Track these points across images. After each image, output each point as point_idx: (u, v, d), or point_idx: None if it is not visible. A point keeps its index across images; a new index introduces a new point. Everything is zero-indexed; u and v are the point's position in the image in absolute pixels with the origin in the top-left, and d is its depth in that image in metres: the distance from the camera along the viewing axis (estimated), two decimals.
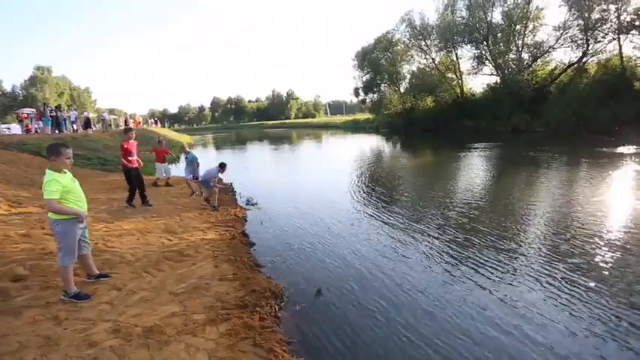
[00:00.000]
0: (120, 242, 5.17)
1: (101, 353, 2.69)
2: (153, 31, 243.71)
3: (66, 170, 3.49)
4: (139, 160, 7.61)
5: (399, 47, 40.31)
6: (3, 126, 22.10)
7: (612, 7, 22.62)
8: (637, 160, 11.48)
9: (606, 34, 23.59)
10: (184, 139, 37.59)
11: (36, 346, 2.76)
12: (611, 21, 23.00)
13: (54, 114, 19.72)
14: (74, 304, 3.39)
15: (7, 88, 59.59)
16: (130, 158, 7.33)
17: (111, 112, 54.87)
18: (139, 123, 36.79)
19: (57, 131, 19.01)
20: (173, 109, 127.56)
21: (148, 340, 2.86)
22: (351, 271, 4.57)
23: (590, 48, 24.79)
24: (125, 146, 7.34)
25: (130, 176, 7.43)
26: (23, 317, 3.15)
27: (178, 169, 16.23)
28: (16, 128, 21.13)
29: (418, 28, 36.06)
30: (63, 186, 3.33)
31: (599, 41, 24.18)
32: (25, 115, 21.13)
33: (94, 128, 26.90)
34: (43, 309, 3.29)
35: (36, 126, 19.59)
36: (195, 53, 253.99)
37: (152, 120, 50.74)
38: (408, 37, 37.88)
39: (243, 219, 7.04)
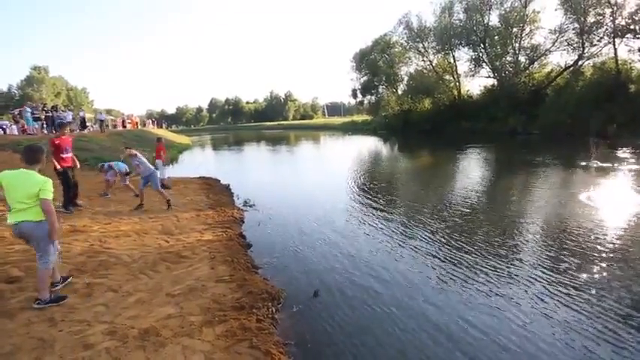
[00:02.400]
0: (117, 243, 5.15)
1: (96, 355, 2.67)
2: (151, 32, 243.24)
3: None
4: (75, 159, 6.94)
5: (396, 49, 40.44)
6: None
7: (607, 11, 22.87)
8: (633, 162, 11.56)
9: (602, 38, 23.83)
10: (182, 140, 37.50)
11: (30, 348, 2.74)
12: (606, 25, 23.25)
13: (50, 114, 19.59)
14: (70, 306, 3.37)
15: (3, 87, 59.28)
16: (62, 156, 6.47)
17: (108, 112, 54.64)
18: (137, 124, 36.61)
19: (53, 131, 18.89)
20: (171, 110, 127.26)
21: (144, 341, 2.85)
22: (348, 273, 4.57)
23: (585, 51, 25.01)
24: (56, 142, 6.39)
25: (66, 177, 6.57)
26: (17, 319, 3.12)
27: (173, 169, 16.19)
28: (13, 128, 20.90)
29: (416, 31, 36.18)
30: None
31: (595, 44, 24.42)
32: (17, 113, 20.83)
33: (91, 129, 26.77)
34: (38, 310, 3.26)
35: (35, 125, 19.39)
36: (193, 54, 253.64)
37: (150, 121, 50.53)
38: (405, 39, 38.01)
39: (241, 220, 7.02)
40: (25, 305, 3.34)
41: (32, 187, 3.19)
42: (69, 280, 3.85)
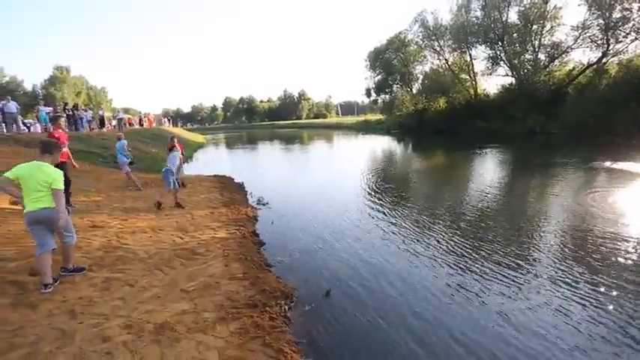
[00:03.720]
0: (133, 239, 5.27)
1: (114, 348, 2.74)
2: (167, 32, 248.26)
3: None
4: (70, 156, 6.85)
5: (411, 48, 39.94)
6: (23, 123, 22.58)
7: (635, 5, 21.90)
8: None
9: (628, 34, 22.84)
10: (197, 138, 38.11)
11: (52, 338, 2.83)
12: (633, 20, 22.27)
13: (71, 113, 20.20)
14: (89, 299, 3.47)
15: (28, 87, 61.56)
16: (62, 150, 6.24)
17: (126, 111, 56.00)
18: (152, 122, 37.37)
19: (74, 129, 19.49)
20: (186, 109, 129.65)
21: (160, 336, 2.90)
22: (360, 273, 4.54)
23: (610, 48, 24.04)
24: (56, 135, 6.35)
25: (63, 171, 6.52)
26: (40, 310, 3.23)
27: (188, 166, 16.45)
28: (36, 126, 21.67)
29: (431, 29, 35.64)
30: None
31: (621, 41, 23.43)
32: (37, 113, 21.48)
33: (109, 127, 27.47)
34: (59, 303, 3.37)
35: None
36: (209, 53, 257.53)
37: (165, 119, 51.55)
38: (421, 37, 37.49)
39: (254, 218, 7.07)
40: (47, 297, 3.45)
41: (46, 177, 3.53)
42: (82, 273, 4.04)
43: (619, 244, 4.99)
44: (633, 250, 4.75)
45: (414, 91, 41.12)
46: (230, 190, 9.88)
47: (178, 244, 5.19)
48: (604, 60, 24.68)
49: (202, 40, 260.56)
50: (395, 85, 43.92)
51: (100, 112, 26.94)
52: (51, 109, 20.36)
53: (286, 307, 3.59)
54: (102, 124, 25.07)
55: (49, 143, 3.82)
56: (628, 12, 22.38)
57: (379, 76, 44.53)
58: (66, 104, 23.36)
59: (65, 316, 3.17)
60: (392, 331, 3.30)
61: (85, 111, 22.98)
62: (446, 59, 36.27)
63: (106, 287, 3.74)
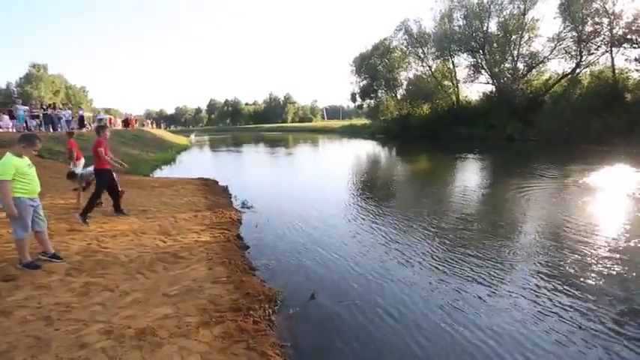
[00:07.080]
0: (114, 243, 5.14)
1: (92, 354, 2.67)
2: (151, 32, 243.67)
3: (25, 157, 4.05)
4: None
5: (396, 54, 40.65)
6: None
7: (605, 20, 23.14)
8: (627, 171, 11.67)
9: (599, 47, 24.12)
10: (180, 140, 37.43)
11: (26, 346, 2.73)
12: (603, 34, 23.52)
13: (48, 112, 19.50)
14: (66, 305, 3.37)
15: (2, 85, 59.07)
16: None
17: (107, 111, 54.40)
18: (135, 123, 36.45)
19: (52, 129, 18.82)
20: (170, 110, 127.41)
21: (141, 341, 2.85)
22: (345, 276, 4.59)
23: (583, 59, 25.29)
24: None
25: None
26: (14, 317, 3.12)
27: (172, 169, 16.17)
28: (8, 125, 20.73)
29: (415, 36, 36.45)
30: (17, 168, 3.83)
31: (592, 53, 24.71)
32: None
33: (89, 127, 26.64)
34: (34, 309, 3.26)
35: (33, 123, 19.26)
36: (193, 55, 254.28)
37: (149, 121, 50.43)
38: (405, 44, 38.27)
39: (238, 222, 7.02)
40: (21, 304, 3.33)
41: None
42: (58, 260, 4.31)
43: (591, 249, 5.23)
44: (605, 254, 5.00)
45: (399, 96, 41.81)
46: (214, 193, 9.77)
47: (161, 247, 5.10)
48: (577, 71, 25.92)
49: (187, 41, 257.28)
50: (380, 91, 44.50)
51: (80, 112, 26.10)
52: (27, 107, 19.60)
53: (270, 311, 3.59)
54: (81, 124, 24.29)
55: (26, 137, 4.13)
56: (599, 26, 23.64)
57: (364, 81, 45.04)
58: (42, 103, 22.53)
59: (41, 322, 3.06)
60: (377, 334, 3.35)
61: (62, 110, 22.21)
62: (429, 66, 37.14)
63: (84, 292, 3.64)
